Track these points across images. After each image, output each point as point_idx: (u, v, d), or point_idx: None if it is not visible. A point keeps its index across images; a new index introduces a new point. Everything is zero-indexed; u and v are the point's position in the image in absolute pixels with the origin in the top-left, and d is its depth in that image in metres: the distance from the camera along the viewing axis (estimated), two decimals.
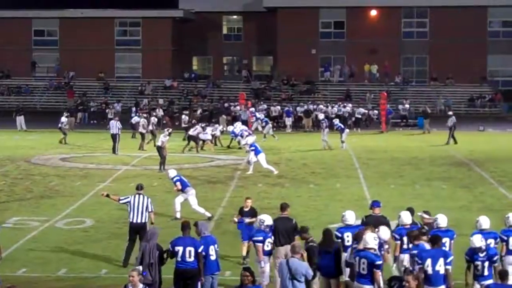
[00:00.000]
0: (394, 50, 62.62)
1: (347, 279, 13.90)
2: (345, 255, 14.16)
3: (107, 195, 18.26)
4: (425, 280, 12.86)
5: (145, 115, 43.80)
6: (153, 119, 42.16)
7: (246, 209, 17.73)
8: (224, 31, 68.71)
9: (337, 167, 32.45)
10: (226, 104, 54.87)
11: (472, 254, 13.35)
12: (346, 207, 20.23)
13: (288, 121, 50.03)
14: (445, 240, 14.20)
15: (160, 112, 50.20)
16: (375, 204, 16.09)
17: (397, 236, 14.60)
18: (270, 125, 43.95)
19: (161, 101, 59.16)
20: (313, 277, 13.30)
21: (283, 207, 15.93)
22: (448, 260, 12.99)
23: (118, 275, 16.29)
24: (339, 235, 14.69)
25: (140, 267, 13.34)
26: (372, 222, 14.99)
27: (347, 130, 39.71)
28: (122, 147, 37.18)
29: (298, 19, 62.59)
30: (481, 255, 13.29)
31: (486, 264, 13.28)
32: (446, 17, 61.68)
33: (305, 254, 13.41)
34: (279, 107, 52.80)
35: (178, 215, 21.47)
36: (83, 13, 65.56)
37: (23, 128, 48.30)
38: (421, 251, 13.27)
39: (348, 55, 63.43)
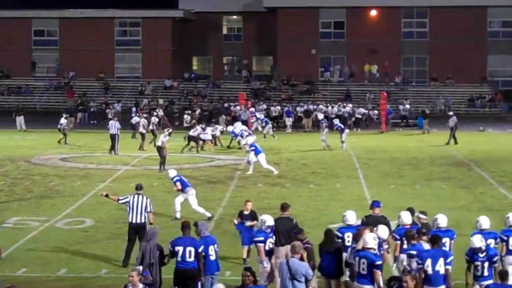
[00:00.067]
0: (394, 50, 62.62)
1: (347, 279, 13.90)
2: (345, 255, 14.16)
3: (106, 195, 18.26)
4: (425, 280, 12.85)
5: (145, 115, 43.81)
6: (154, 119, 42.17)
7: (246, 212, 17.67)
8: (224, 31, 68.72)
9: (337, 167, 32.45)
10: (226, 104, 54.89)
11: (472, 254, 13.35)
12: (346, 207, 20.23)
13: (288, 121, 50.03)
14: (445, 240, 14.21)
15: (160, 112, 50.21)
16: (375, 204, 16.09)
17: (397, 236, 14.59)
18: (270, 125, 43.96)
19: (161, 101, 59.15)
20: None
21: (284, 207, 15.91)
22: (448, 260, 12.98)
23: (118, 275, 16.29)
24: (340, 235, 14.70)
25: (140, 267, 13.34)
26: (372, 222, 14.99)
27: (347, 130, 39.70)
28: (122, 147, 37.18)
29: (298, 19, 62.59)
30: (481, 255, 13.28)
31: (486, 264, 13.27)
32: (446, 17, 61.68)
33: (305, 255, 13.39)
34: (279, 107, 52.80)
35: (178, 215, 21.47)
36: (83, 13, 65.55)
37: (22, 128, 48.30)
38: (421, 251, 13.27)
39: (348, 55, 63.44)
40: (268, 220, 14.97)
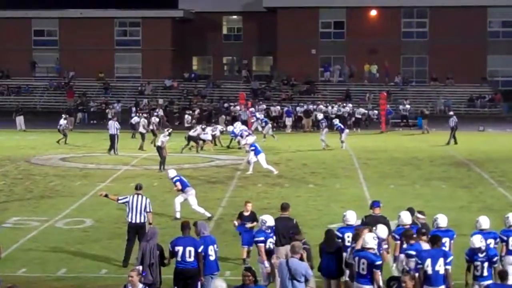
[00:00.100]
0: (394, 50, 62.59)
1: (347, 279, 13.90)
2: (345, 255, 14.16)
3: (106, 195, 18.25)
4: (425, 280, 12.85)
5: (145, 115, 43.81)
6: (154, 119, 42.16)
7: (246, 213, 17.63)
8: (224, 31, 68.71)
9: (337, 167, 32.45)
10: (226, 104, 54.89)
11: (472, 254, 13.34)
12: (346, 207, 20.24)
13: (288, 121, 50.03)
14: (445, 240, 14.20)
15: (161, 112, 50.22)
16: (375, 204, 16.09)
17: (397, 236, 14.59)
18: (269, 125, 43.93)
19: (161, 101, 59.15)
20: None
21: (284, 207, 15.91)
22: (448, 260, 12.98)
23: (118, 275, 16.29)
24: (340, 235, 14.70)
25: (140, 267, 13.33)
26: (372, 222, 14.99)
27: (347, 130, 39.71)
28: (122, 147, 37.19)
29: (298, 19, 62.59)
30: (480, 255, 13.28)
31: (486, 264, 13.27)
32: (446, 17, 61.66)
33: (304, 255, 13.39)
34: (279, 107, 52.81)
35: (178, 215, 21.46)
36: (83, 13, 65.56)
37: (22, 128, 48.31)
38: (421, 251, 13.26)
39: (348, 55, 63.43)
40: (269, 220, 14.97)
